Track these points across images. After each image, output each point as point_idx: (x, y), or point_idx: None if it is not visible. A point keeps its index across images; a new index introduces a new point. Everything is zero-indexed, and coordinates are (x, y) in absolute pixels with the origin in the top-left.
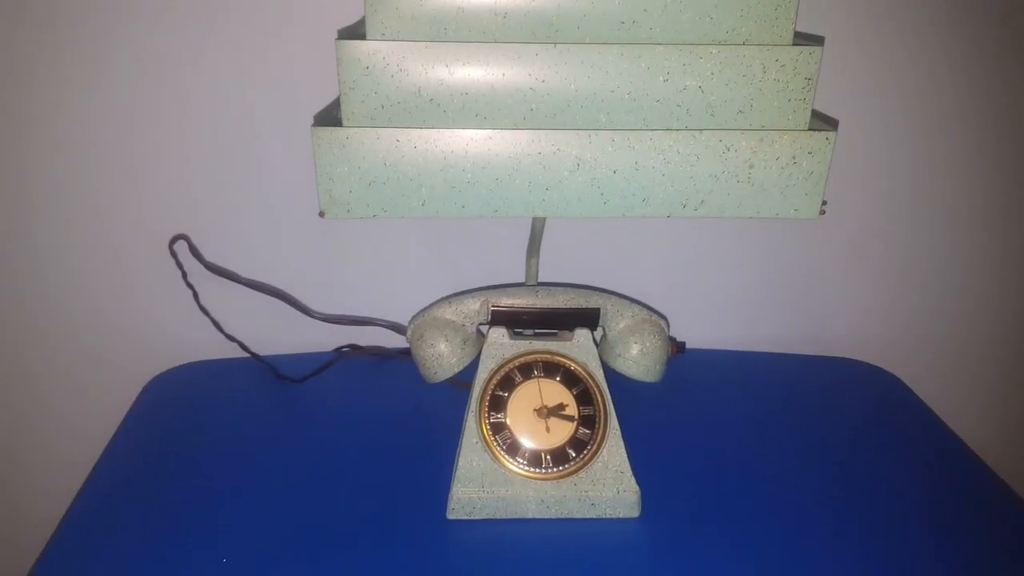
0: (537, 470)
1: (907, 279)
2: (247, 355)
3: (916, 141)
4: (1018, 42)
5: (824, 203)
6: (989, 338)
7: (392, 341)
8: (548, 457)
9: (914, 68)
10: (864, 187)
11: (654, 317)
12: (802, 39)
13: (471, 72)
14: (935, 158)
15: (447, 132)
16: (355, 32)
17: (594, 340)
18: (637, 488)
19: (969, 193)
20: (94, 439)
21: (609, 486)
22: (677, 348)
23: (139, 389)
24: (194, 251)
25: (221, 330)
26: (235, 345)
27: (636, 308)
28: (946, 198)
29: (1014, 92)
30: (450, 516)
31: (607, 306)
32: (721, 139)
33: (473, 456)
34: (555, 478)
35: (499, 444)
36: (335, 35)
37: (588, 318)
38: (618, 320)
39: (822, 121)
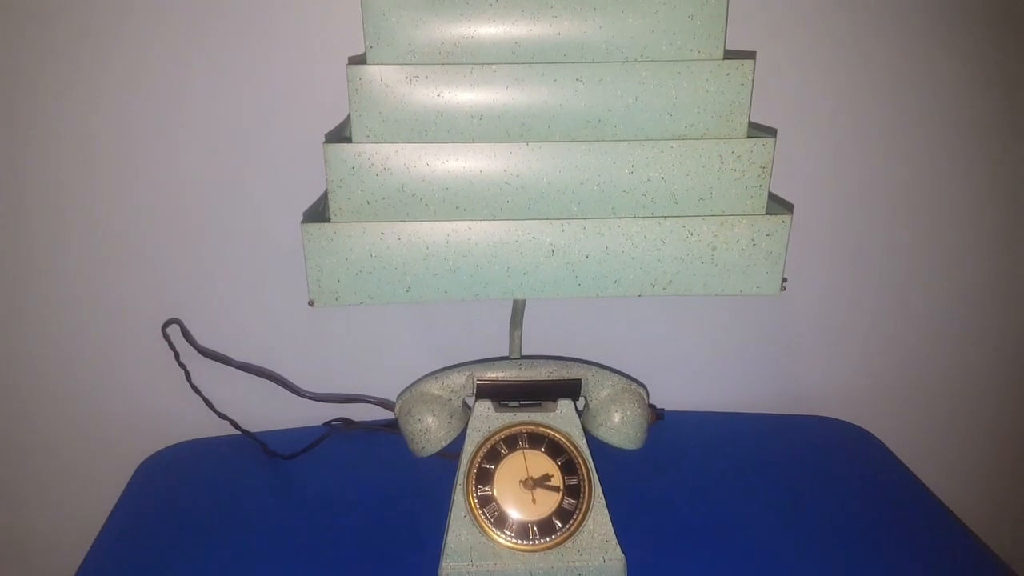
0: (525, 542)
1: (878, 338)
2: (239, 432)
3: (880, 201)
4: (964, 111)
5: (784, 280)
6: (963, 394)
7: (381, 416)
8: (535, 528)
9: (873, 132)
10: (830, 250)
11: (633, 386)
12: (757, 130)
13: (450, 169)
14: (898, 220)
15: (429, 224)
16: (341, 134)
17: (576, 410)
18: (622, 556)
19: (932, 255)
20: (89, 519)
21: (595, 555)
22: (657, 415)
23: (133, 469)
24: (186, 335)
25: (213, 409)
26: (227, 423)
27: (616, 377)
28: (911, 260)
29: (972, 155)
30: None
31: (588, 376)
32: (684, 224)
33: (461, 530)
34: (542, 549)
35: (487, 517)
36: (324, 129)
37: (570, 389)
38: (599, 390)
39: (779, 204)
